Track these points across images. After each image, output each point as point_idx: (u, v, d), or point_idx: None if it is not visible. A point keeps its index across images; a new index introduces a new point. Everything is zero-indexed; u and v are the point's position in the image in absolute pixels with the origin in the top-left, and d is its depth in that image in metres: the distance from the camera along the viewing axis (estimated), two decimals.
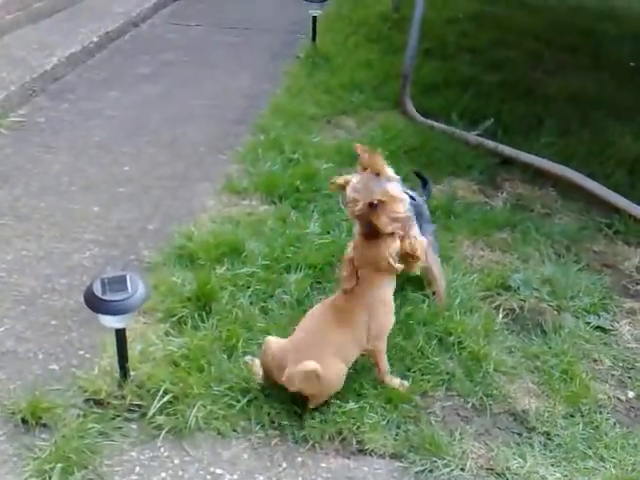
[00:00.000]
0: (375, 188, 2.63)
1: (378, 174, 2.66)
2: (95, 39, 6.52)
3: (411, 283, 3.34)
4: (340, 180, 2.80)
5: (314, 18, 6.80)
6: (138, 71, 6.23)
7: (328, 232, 3.78)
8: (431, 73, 6.31)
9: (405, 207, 2.71)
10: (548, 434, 2.67)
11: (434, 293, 3.29)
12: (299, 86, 5.93)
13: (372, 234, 2.66)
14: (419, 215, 3.16)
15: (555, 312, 3.37)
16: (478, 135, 5.07)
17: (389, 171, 2.73)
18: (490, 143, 4.95)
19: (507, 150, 4.87)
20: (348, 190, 2.69)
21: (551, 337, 3.18)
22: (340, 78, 6.10)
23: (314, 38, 6.91)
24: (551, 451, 2.60)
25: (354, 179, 2.71)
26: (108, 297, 2.47)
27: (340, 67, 6.39)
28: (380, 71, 6.32)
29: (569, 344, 3.13)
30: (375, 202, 2.60)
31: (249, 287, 3.26)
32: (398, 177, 2.77)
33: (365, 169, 2.68)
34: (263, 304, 3.19)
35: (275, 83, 6.06)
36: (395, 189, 2.68)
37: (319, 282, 3.38)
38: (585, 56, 7.22)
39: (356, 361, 2.82)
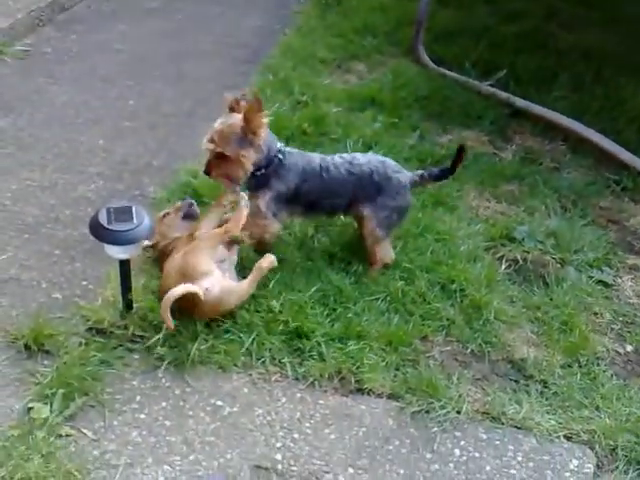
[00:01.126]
0: (233, 144, 2.76)
1: (250, 133, 2.76)
2: None
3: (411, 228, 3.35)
4: (231, 100, 2.85)
5: None
6: (147, 5, 6.11)
7: None
8: (446, 21, 6.18)
9: (244, 175, 2.84)
10: (545, 382, 2.70)
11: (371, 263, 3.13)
12: (310, 27, 5.83)
13: (206, 172, 2.87)
14: (380, 189, 3.01)
15: (558, 265, 3.37)
16: (490, 85, 4.99)
17: (263, 136, 2.79)
18: (502, 94, 4.88)
19: (519, 102, 4.80)
20: (217, 123, 2.81)
21: (553, 289, 3.19)
22: (353, 21, 5.98)
23: None
24: (547, 399, 2.63)
25: (230, 119, 2.79)
26: (113, 227, 2.47)
27: (353, 10, 6.26)
28: (394, 16, 6.19)
29: (570, 296, 3.14)
30: (223, 154, 2.76)
31: None
32: (270, 146, 2.85)
33: (245, 120, 2.74)
34: None
35: (286, 23, 5.95)
36: (248, 157, 2.78)
37: (322, 225, 3.37)
38: (601, 11, 7.05)
39: (355, 303, 2.88)
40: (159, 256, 2.94)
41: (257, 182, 2.90)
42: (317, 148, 3.94)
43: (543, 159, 4.33)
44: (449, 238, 3.37)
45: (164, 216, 2.98)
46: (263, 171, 2.88)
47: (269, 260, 2.79)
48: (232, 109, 2.84)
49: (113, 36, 5.40)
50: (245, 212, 2.76)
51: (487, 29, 6.05)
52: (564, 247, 3.45)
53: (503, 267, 3.31)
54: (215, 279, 2.62)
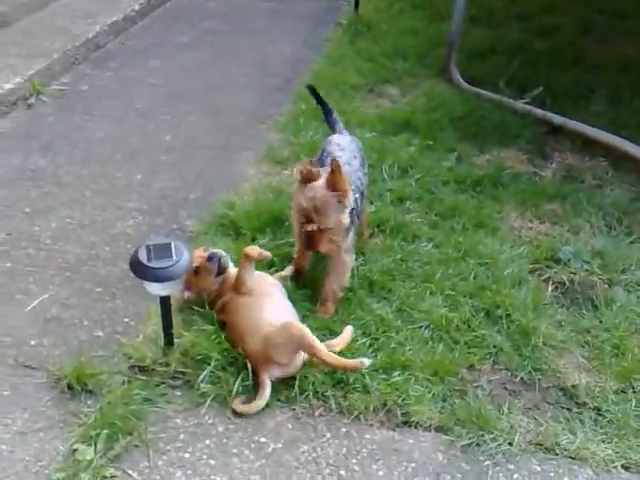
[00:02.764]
0: (331, 214, 2.75)
1: (342, 197, 2.74)
2: (137, 7, 6.49)
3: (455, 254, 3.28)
4: (307, 168, 2.79)
5: None
6: (179, 40, 6.19)
7: (371, 202, 3.72)
8: (478, 40, 6.14)
9: (345, 234, 2.88)
10: (599, 410, 2.60)
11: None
12: (341, 54, 5.83)
13: (308, 247, 2.89)
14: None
15: (606, 286, 3.27)
16: (526, 103, 4.92)
17: (351, 197, 2.80)
18: (539, 111, 4.80)
19: (557, 118, 4.72)
20: (309, 198, 2.74)
21: (602, 311, 3.09)
22: (383, 46, 5.97)
23: (357, 5, 6.77)
24: (602, 427, 2.53)
25: (319, 192, 2.73)
26: (153, 264, 2.46)
27: (383, 35, 6.26)
28: (425, 39, 6.17)
29: (621, 318, 3.04)
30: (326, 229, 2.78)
31: (293, 257, 3.23)
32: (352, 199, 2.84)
33: (333, 185, 2.72)
34: None
35: (317, 51, 5.97)
36: (345, 219, 2.80)
37: (363, 253, 3.32)
38: (637, 23, 6.95)
39: (397, 332, 2.82)
40: (210, 303, 2.91)
41: None
42: None
43: (585, 176, 4.24)
44: (492, 262, 3.30)
45: (196, 272, 2.85)
46: (350, 220, 2.89)
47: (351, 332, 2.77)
48: (308, 179, 2.79)
49: (147, 71, 5.47)
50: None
51: (520, 46, 6.00)
52: (611, 267, 3.35)
53: (549, 290, 3.23)
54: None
